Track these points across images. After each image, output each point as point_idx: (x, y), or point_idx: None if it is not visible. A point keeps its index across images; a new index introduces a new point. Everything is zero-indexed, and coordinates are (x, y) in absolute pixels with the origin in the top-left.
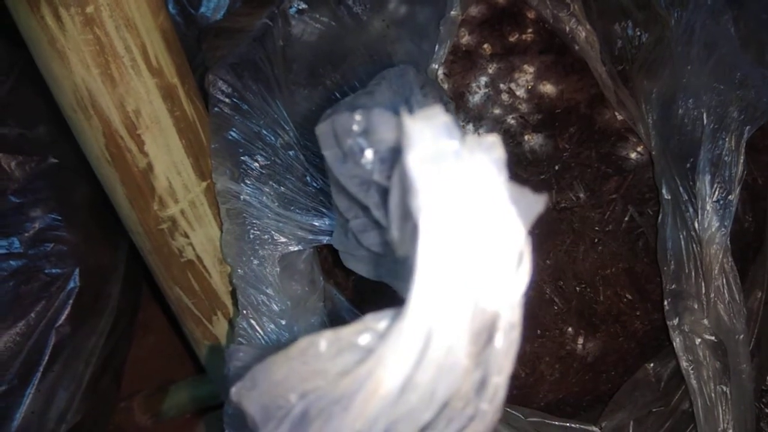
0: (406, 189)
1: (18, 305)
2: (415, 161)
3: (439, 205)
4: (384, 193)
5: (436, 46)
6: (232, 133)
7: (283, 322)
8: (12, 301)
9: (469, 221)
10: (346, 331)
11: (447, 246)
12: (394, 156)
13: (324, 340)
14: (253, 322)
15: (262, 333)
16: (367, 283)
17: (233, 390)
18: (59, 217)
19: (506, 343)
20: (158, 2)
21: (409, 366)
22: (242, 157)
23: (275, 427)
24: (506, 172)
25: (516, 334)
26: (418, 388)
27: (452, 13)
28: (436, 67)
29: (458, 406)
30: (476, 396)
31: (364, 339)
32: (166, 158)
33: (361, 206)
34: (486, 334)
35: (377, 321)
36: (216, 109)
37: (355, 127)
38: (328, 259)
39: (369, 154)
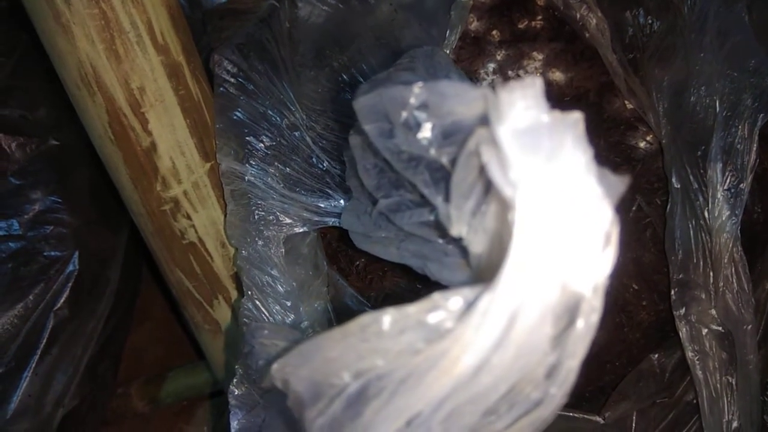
0: (496, 162)
1: (16, 287)
2: (507, 134)
3: (535, 182)
4: (437, 169)
5: (447, 32)
6: (237, 113)
7: (289, 303)
8: (10, 283)
9: (561, 200)
10: (412, 309)
11: (541, 224)
12: (460, 130)
13: (388, 317)
14: (258, 302)
15: (267, 314)
16: (372, 270)
17: (275, 366)
18: (59, 200)
19: (586, 327)
20: None
21: (489, 347)
22: (247, 138)
23: (326, 405)
24: (590, 151)
25: (596, 318)
26: (493, 370)
27: None
28: (447, 52)
29: (525, 390)
30: (546, 380)
31: (435, 317)
32: (170, 138)
33: (396, 185)
34: (567, 317)
35: (447, 299)
36: (221, 88)
37: (413, 100)
38: (332, 244)
39: (427, 127)
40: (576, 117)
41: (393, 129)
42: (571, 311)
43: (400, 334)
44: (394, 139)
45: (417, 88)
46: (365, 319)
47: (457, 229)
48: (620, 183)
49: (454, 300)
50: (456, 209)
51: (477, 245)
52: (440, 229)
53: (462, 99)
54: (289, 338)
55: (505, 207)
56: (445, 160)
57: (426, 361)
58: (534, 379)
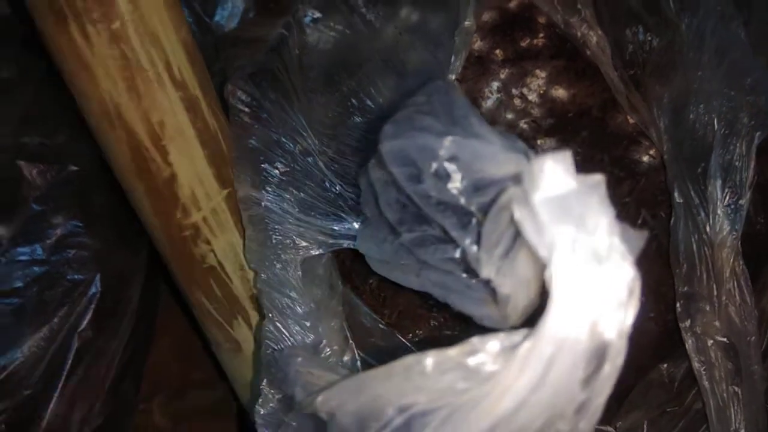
0: (530, 223)
1: (42, 311)
2: (541, 201)
3: (567, 247)
4: (466, 215)
5: (452, 57)
6: (252, 141)
7: (308, 324)
8: (36, 306)
9: (591, 261)
10: (453, 352)
11: (575, 282)
12: (490, 184)
13: (431, 359)
14: (279, 324)
15: (288, 335)
16: (385, 288)
17: (321, 399)
18: (80, 224)
19: (613, 368)
20: (180, 17)
21: (528, 388)
22: (263, 165)
23: None
24: (613, 210)
25: (621, 360)
26: (530, 409)
27: (466, 23)
28: (453, 77)
29: (556, 424)
30: (576, 415)
31: (475, 360)
32: (190, 168)
33: (419, 220)
34: (596, 361)
35: (485, 343)
36: (236, 118)
37: (443, 152)
38: (345, 263)
39: (458, 178)
40: (598, 179)
41: (421, 175)
42: (599, 355)
43: (441, 375)
44: (423, 185)
45: (447, 142)
46: (409, 360)
47: (487, 272)
48: (640, 238)
49: (492, 344)
50: (486, 254)
51: (505, 287)
52: (465, 264)
53: (494, 161)
54: (324, 366)
55: (534, 257)
56: (474, 208)
57: (470, 401)
58: (565, 415)
